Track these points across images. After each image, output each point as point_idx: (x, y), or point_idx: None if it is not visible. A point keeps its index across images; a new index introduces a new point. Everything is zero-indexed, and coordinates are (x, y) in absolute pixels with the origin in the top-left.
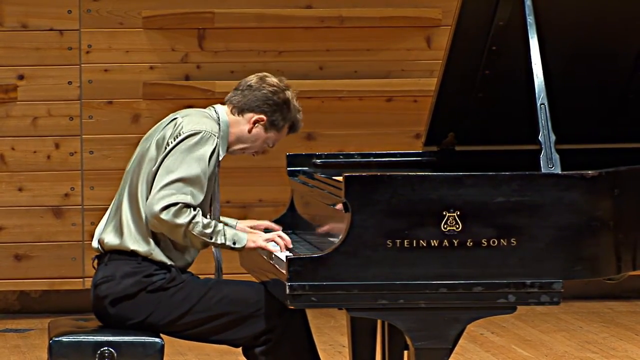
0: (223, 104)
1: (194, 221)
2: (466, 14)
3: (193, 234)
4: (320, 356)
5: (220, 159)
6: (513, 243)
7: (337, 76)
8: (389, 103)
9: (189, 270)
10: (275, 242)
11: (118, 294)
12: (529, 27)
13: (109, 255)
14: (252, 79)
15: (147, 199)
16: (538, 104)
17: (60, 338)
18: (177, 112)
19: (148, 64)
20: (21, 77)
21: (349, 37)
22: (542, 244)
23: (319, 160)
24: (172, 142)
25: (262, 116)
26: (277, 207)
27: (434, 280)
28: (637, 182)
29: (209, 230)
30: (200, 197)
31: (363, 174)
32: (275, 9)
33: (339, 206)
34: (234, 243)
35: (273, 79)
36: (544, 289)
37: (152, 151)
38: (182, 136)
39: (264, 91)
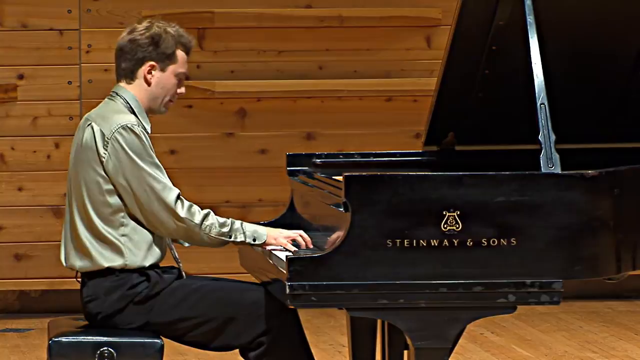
0: (118, 82)
1: (207, 223)
2: (466, 14)
3: (211, 236)
4: (320, 356)
5: (149, 132)
6: (513, 243)
7: (337, 76)
8: (388, 103)
9: (173, 266)
10: (296, 241)
11: (107, 310)
12: (528, 27)
13: (87, 274)
14: (118, 43)
15: (99, 216)
16: (538, 104)
17: (60, 338)
18: (87, 115)
19: None
20: (21, 77)
21: (348, 37)
22: (542, 243)
23: (318, 160)
24: (105, 154)
25: (149, 62)
26: (277, 207)
27: (434, 280)
28: (637, 182)
29: (226, 229)
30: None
31: (363, 173)
32: (274, 9)
33: (339, 206)
34: (254, 240)
35: (135, 27)
36: (544, 288)
37: (87, 168)
38: (110, 143)
39: (134, 43)
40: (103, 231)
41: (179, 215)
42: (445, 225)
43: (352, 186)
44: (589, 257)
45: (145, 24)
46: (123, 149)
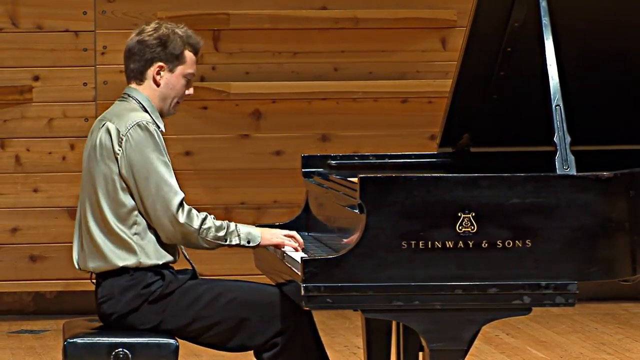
0: (128, 84)
1: (205, 226)
2: (481, 16)
3: (207, 240)
4: (336, 358)
5: (163, 130)
6: (528, 244)
7: (352, 77)
8: (403, 104)
9: (186, 269)
10: (288, 243)
11: (122, 310)
12: (544, 29)
13: (102, 275)
14: (127, 44)
15: (113, 212)
16: (553, 105)
17: (75, 339)
18: (101, 117)
19: None
20: (36, 78)
21: (363, 38)
22: (557, 245)
23: (333, 162)
24: (119, 151)
25: (158, 63)
26: (292, 209)
27: (449, 282)
28: None
29: (222, 233)
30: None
31: (378, 175)
32: (290, 10)
33: (354, 207)
34: (248, 242)
35: (144, 29)
36: (559, 290)
37: (101, 165)
38: (124, 139)
39: (143, 44)
40: (117, 230)
41: (178, 221)
42: (460, 227)
43: (367, 188)
44: (604, 259)
45: (153, 25)
46: (137, 146)
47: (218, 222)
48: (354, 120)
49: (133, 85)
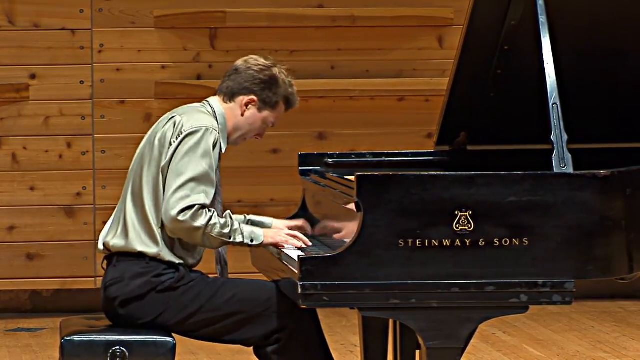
0: (215, 94)
1: (211, 223)
2: (478, 14)
3: (212, 236)
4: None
5: (223, 151)
6: (525, 243)
7: (349, 76)
8: (400, 102)
9: (197, 269)
10: (292, 241)
11: (127, 295)
12: (541, 27)
13: (117, 256)
14: (238, 63)
15: (152, 200)
16: (550, 104)
17: (72, 337)
18: (174, 110)
19: (160, 63)
20: (33, 77)
21: (360, 37)
22: (554, 243)
23: (330, 160)
24: (174, 142)
25: (252, 97)
26: (288, 207)
27: (446, 280)
28: None
29: (227, 230)
30: (212, 192)
31: (375, 173)
32: (287, 9)
33: (351, 205)
34: (252, 240)
35: (259, 59)
36: (556, 288)
37: (155, 152)
38: (184, 135)
39: (250, 71)
40: (149, 216)
41: (178, 219)
42: (457, 225)
43: (364, 186)
44: (601, 257)
45: (270, 62)
46: (189, 144)
47: (222, 220)
48: (351, 119)
49: (218, 99)
